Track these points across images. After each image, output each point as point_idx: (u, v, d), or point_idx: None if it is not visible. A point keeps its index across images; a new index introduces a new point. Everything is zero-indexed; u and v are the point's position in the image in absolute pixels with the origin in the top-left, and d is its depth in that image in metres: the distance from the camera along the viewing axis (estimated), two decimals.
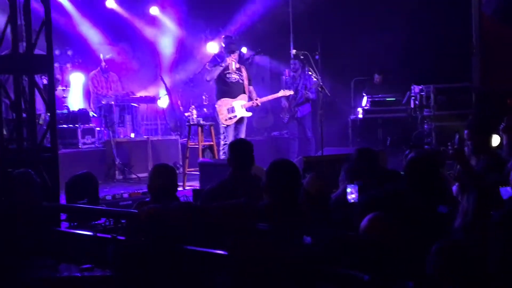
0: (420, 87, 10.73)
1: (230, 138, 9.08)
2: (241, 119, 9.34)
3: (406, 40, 11.73)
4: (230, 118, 9.23)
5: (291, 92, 10.05)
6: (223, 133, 9.27)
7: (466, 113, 10.36)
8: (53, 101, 5.84)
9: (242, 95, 9.38)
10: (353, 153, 5.41)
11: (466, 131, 5.24)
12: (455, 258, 2.65)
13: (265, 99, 9.82)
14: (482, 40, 11.20)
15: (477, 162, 5.01)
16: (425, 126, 10.67)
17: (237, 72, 9.38)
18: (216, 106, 9.36)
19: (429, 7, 11.75)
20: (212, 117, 11.46)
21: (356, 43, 12.12)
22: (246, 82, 9.44)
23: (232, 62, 9.30)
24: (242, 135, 9.31)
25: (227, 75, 9.31)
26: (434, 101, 10.47)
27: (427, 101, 10.59)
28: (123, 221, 4.43)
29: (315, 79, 9.67)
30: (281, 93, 9.91)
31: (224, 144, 9.09)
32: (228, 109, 9.24)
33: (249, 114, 9.51)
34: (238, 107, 9.28)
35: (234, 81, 9.33)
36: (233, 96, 9.30)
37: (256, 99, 9.50)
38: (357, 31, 12.17)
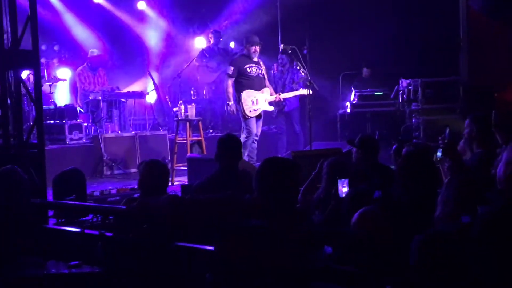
0: (408, 81, 10.74)
1: (254, 131, 8.96)
2: (260, 114, 9.16)
3: (394, 35, 11.75)
4: (255, 110, 9.02)
5: (310, 92, 9.51)
6: (245, 126, 9.00)
7: (453, 107, 10.42)
8: (39, 97, 5.79)
9: (266, 89, 9.21)
10: (356, 141, 5.45)
11: (471, 124, 5.22)
12: (437, 249, 2.65)
13: (287, 95, 9.68)
14: (470, 34, 11.24)
15: (471, 157, 5.02)
16: (413, 120, 10.69)
17: (257, 65, 9.17)
18: (241, 97, 8.98)
19: (417, 1, 11.78)
20: (201, 112, 11.43)
21: (344, 37, 12.11)
22: (266, 76, 9.31)
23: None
24: (259, 129, 9.20)
25: (248, 69, 9.07)
26: (422, 95, 10.49)
27: (415, 95, 10.61)
28: (110, 217, 4.40)
29: (303, 74, 9.63)
30: (301, 91, 9.65)
31: (246, 138, 8.90)
32: (252, 101, 9.00)
33: (271, 108, 9.36)
34: (262, 100, 9.09)
35: (254, 74, 9.09)
36: (256, 89, 9.08)
37: (279, 94, 9.42)
38: (346, 25, 12.18)
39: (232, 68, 9.06)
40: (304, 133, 10.58)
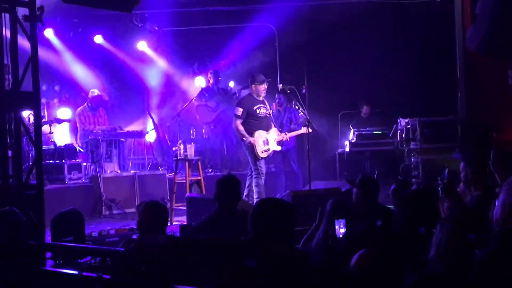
0: (406, 120, 10.81)
1: (264, 171, 8.94)
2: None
3: (393, 74, 11.87)
4: (266, 151, 8.97)
5: (310, 130, 9.45)
6: (255, 167, 8.94)
7: (452, 146, 10.45)
8: (39, 138, 5.81)
9: (274, 129, 9.22)
10: (357, 181, 5.46)
11: (466, 167, 5.23)
12: None
13: (291, 134, 9.64)
14: (467, 74, 11.35)
15: (470, 199, 5.01)
16: (412, 159, 10.72)
17: (264, 105, 9.14)
18: (253, 138, 8.94)
19: (415, 42, 11.92)
20: (200, 151, 11.44)
21: (342, 77, 12.23)
22: (271, 115, 9.31)
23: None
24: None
25: (257, 110, 9.02)
26: (420, 134, 10.54)
27: (413, 134, 10.66)
28: (108, 259, 4.38)
29: (301, 113, 9.62)
30: (303, 130, 9.59)
31: (256, 178, 8.86)
32: (263, 142, 8.96)
33: (279, 148, 9.32)
34: (271, 140, 9.06)
35: (263, 115, 9.06)
36: (264, 129, 9.04)
37: (286, 133, 9.40)
38: (344, 65, 12.29)
39: (241, 110, 8.98)
40: (303, 172, 10.57)
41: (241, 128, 8.97)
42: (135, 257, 3.96)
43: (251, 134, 8.95)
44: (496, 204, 2.98)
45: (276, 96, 10.96)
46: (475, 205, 4.61)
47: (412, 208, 4.11)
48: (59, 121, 11.14)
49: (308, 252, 4.62)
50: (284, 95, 10.67)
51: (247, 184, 9.03)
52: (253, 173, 8.97)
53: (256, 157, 8.93)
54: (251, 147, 8.91)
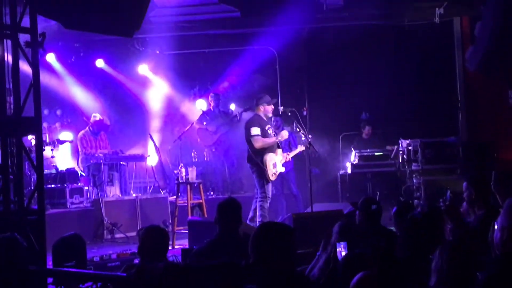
0: (408, 141, 10.81)
1: (270, 195, 8.80)
2: None
3: (393, 96, 11.91)
4: (274, 174, 8.80)
5: (305, 148, 9.41)
6: (262, 191, 8.75)
7: (454, 167, 10.45)
8: (41, 163, 5.82)
9: (279, 150, 9.04)
10: (359, 204, 5.46)
11: (469, 187, 5.24)
12: None
13: (292, 154, 9.46)
14: (467, 95, 11.40)
15: (474, 218, 5.01)
16: (414, 180, 10.71)
17: (271, 126, 9.04)
18: (265, 161, 8.71)
19: (415, 64, 11.98)
20: (202, 174, 11.44)
21: (343, 98, 12.29)
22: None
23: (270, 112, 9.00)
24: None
25: (268, 130, 8.86)
26: (421, 155, 10.54)
27: (415, 155, 10.66)
28: (110, 284, 4.37)
29: (304, 138, 9.51)
30: (301, 147, 9.46)
31: (262, 202, 8.71)
32: (273, 164, 8.78)
33: (284, 169, 9.16)
34: (278, 162, 8.90)
35: (273, 135, 8.92)
36: (274, 151, 8.88)
37: (288, 153, 9.31)
38: (344, 87, 12.36)
39: (259, 129, 8.76)
40: (305, 195, 10.55)
41: (265, 138, 8.77)
42: (136, 282, 3.95)
43: (263, 155, 8.73)
44: (495, 228, 2.98)
45: (273, 119, 10.91)
46: (479, 226, 4.61)
47: (417, 231, 4.10)
48: (61, 141, 11.18)
49: (312, 277, 4.60)
50: (281, 117, 10.66)
51: (253, 207, 8.95)
52: (259, 196, 8.84)
53: (266, 180, 8.74)
54: (261, 170, 8.73)
